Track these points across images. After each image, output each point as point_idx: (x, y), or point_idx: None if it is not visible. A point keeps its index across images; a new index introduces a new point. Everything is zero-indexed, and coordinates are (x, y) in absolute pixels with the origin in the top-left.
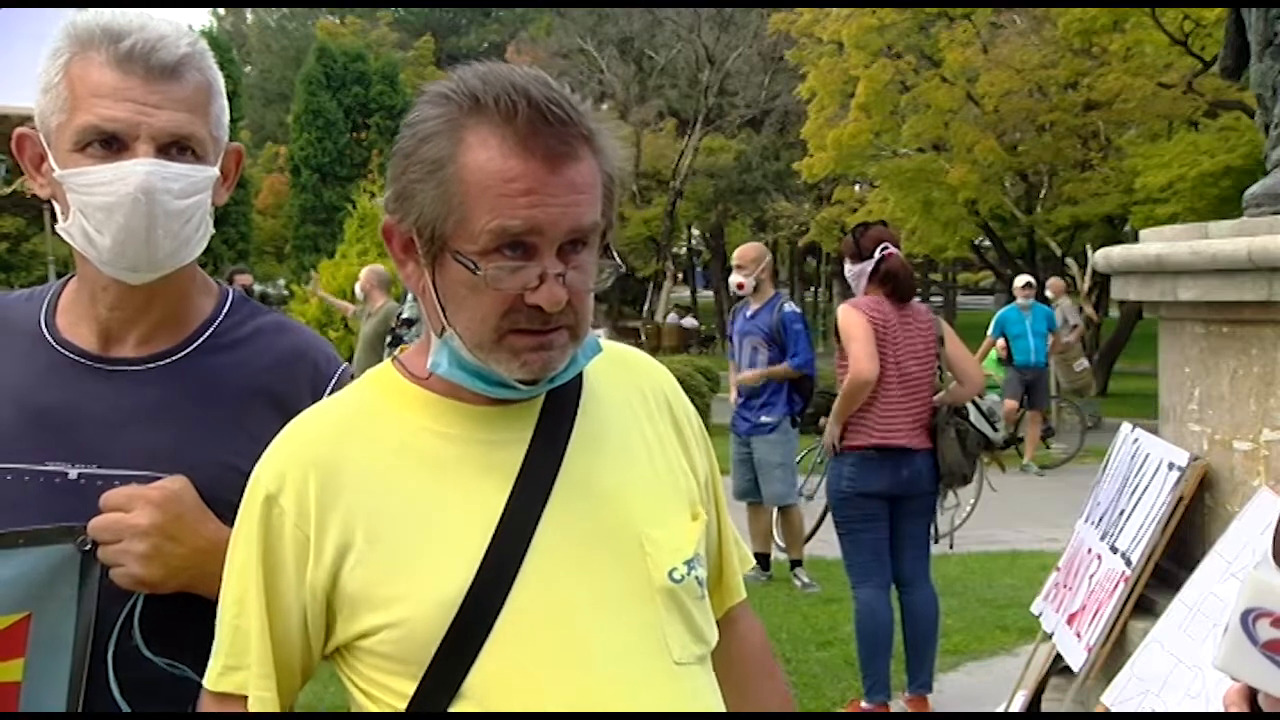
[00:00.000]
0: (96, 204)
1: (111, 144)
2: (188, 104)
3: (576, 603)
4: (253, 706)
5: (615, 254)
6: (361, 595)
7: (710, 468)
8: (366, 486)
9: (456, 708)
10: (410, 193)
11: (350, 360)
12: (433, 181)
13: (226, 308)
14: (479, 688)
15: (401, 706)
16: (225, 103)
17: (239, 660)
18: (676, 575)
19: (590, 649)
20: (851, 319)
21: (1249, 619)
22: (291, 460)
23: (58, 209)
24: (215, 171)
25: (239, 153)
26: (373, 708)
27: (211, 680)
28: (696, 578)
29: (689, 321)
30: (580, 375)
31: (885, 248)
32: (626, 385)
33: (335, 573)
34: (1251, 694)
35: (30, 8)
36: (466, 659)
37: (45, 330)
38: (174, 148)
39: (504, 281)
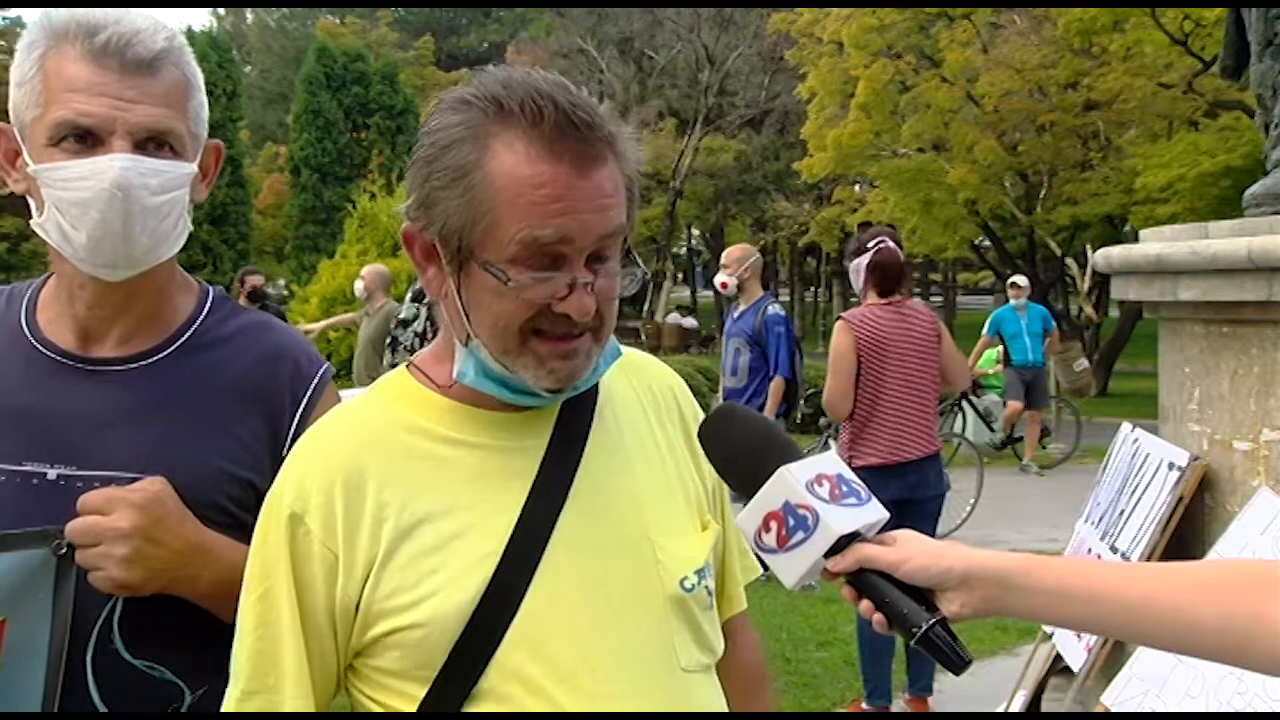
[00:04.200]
0: (71, 199)
1: (86, 139)
2: (165, 99)
3: (587, 610)
4: None
5: (637, 259)
6: (380, 603)
7: (716, 479)
8: (389, 497)
9: (468, 711)
10: (434, 200)
11: (350, 361)
12: (458, 189)
13: (207, 307)
14: (491, 691)
15: (411, 710)
16: (204, 99)
17: (260, 684)
18: (688, 584)
19: (598, 656)
20: (840, 345)
21: (757, 540)
22: (314, 476)
23: (33, 205)
24: (193, 168)
25: (218, 149)
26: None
27: (232, 705)
28: (706, 587)
29: (689, 321)
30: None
31: (880, 240)
32: (639, 390)
33: (362, 586)
34: (855, 591)
35: (29, 7)
36: (480, 663)
37: (25, 328)
38: (151, 143)
39: (532, 291)
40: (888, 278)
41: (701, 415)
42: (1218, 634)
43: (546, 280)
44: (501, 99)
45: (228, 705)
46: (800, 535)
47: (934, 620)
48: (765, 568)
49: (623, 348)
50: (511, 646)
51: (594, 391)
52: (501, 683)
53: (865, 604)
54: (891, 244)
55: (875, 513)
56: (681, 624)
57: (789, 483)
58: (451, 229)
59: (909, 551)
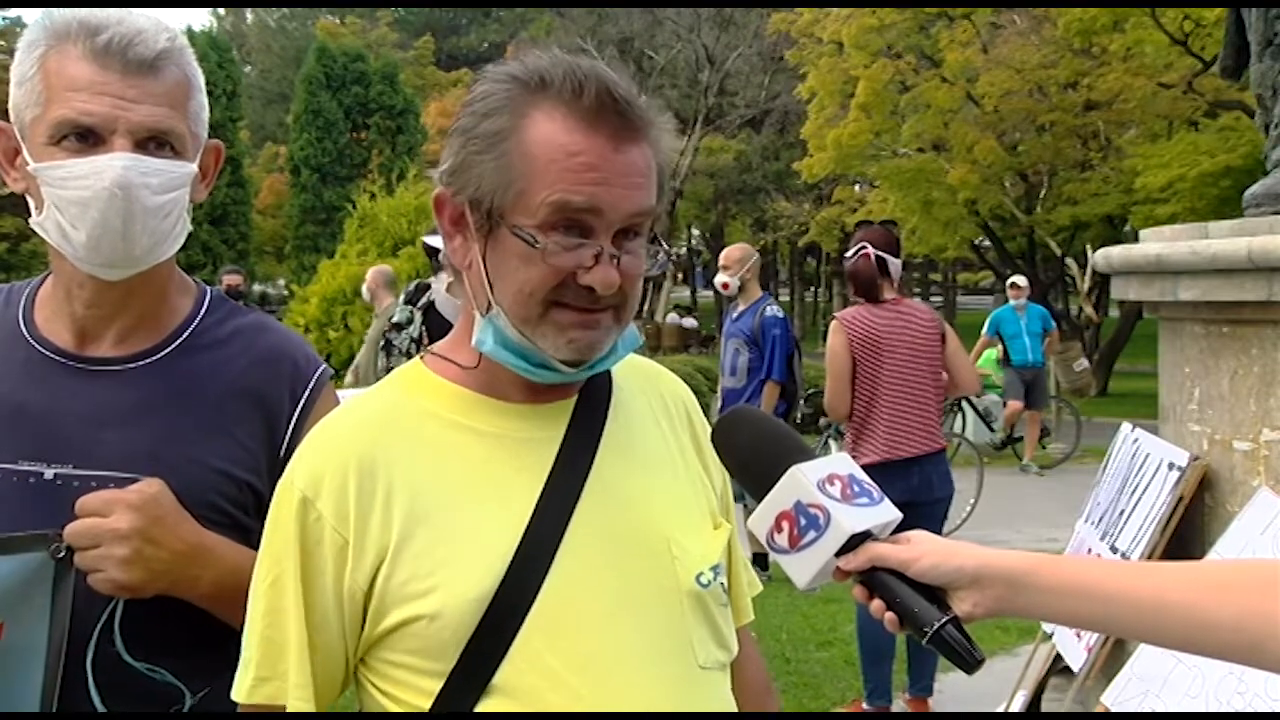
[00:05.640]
0: (71, 198)
1: (87, 138)
2: (166, 99)
3: (604, 603)
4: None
5: (663, 243)
6: (394, 592)
7: (724, 485)
8: (403, 485)
9: (483, 706)
10: (468, 165)
11: (349, 360)
12: (494, 154)
13: (205, 307)
14: (506, 685)
15: (426, 705)
16: (205, 99)
17: (270, 671)
18: (703, 580)
19: (617, 649)
20: (834, 345)
21: (769, 540)
22: (328, 462)
23: (31, 204)
24: (194, 168)
25: (218, 150)
26: (394, 708)
27: (243, 694)
28: (721, 584)
29: (689, 321)
30: (610, 378)
31: (861, 248)
32: (650, 393)
33: (373, 574)
34: (867, 591)
35: (29, 7)
36: (496, 655)
37: (23, 327)
38: (152, 143)
39: (560, 257)
40: (859, 285)
41: (708, 426)
42: (1231, 634)
43: (574, 248)
44: (545, 72)
45: (238, 692)
46: (812, 535)
47: (946, 619)
48: (764, 569)
49: (634, 355)
50: (530, 636)
51: (608, 389)
52: (519, 674)
53: (877, 603)
54: (872, 250)
55: (887, 513)
56: (699, 620)
57: (800, 482)
58: (484, 192)
59: (920, 550)
